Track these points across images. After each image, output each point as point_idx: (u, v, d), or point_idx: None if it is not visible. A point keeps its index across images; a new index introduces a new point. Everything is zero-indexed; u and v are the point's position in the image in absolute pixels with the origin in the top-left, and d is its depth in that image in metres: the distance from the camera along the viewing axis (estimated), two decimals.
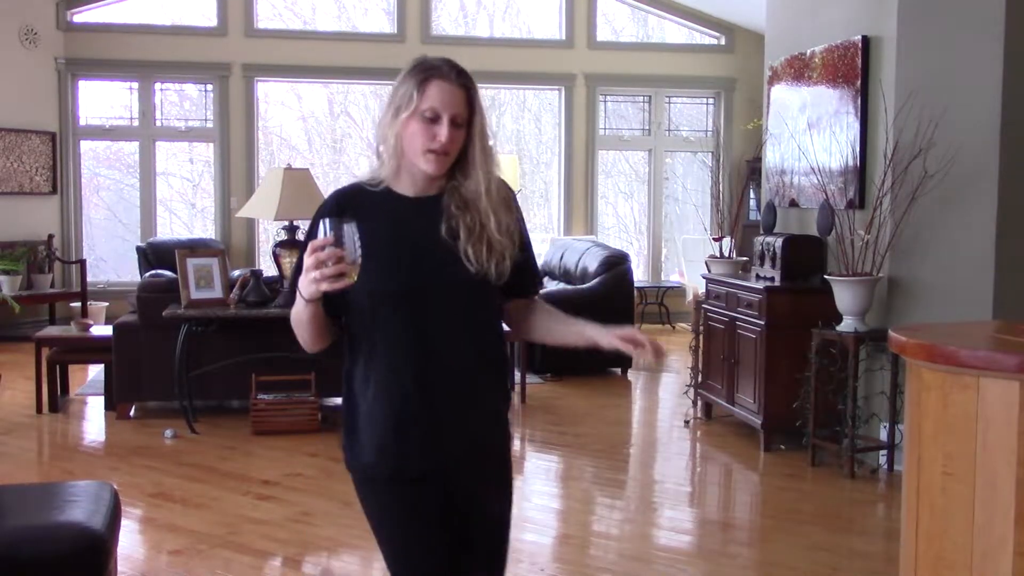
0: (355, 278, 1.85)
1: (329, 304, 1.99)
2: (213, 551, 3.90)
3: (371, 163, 2.11)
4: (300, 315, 2.01)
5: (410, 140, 2.01)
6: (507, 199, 2.10)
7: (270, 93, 10.48)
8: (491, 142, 2.06)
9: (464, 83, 2.01)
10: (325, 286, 1.84)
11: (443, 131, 1.98)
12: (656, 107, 10.73)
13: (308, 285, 1.87)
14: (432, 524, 2.04)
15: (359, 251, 1.84)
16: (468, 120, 2.01)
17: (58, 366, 6.39)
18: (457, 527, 2.07)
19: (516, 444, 5.70)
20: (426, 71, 2.01)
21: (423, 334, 2.02)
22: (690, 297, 9.48)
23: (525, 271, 2.15)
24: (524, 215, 2.20)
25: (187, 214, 10.60)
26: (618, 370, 7.69)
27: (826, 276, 5.13)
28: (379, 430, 2.04)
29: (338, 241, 1.81)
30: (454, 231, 2.03)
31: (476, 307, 2.06)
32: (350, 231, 1.83)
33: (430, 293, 2.02)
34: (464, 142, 2.02)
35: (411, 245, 2.03)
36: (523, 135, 10.94)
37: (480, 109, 2.03)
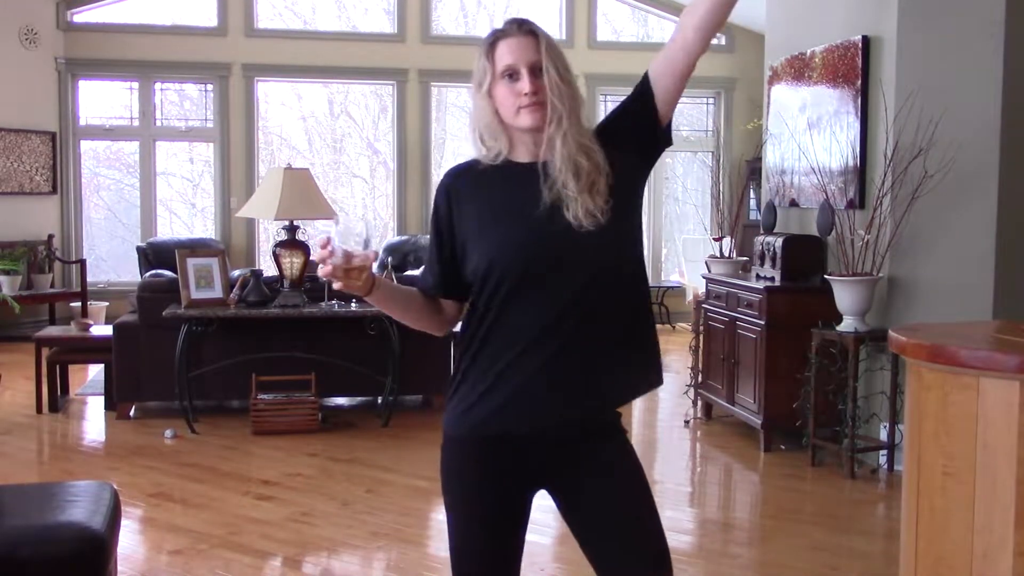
0: (358, 277, 1.86)
1: (448, 283, 2.03)
2: (213, 551, 3.90)
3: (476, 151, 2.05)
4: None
5: (503, 107, 1.97)
6: (586, 136, 2.00)
7: (270, 93, 10.48)
8: (567, 88, 1.98)
9: (530, 29, 1.98)
10: (336, 285, 1.86)
11: (525, 82, 1.94)
12: None
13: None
14: None
15: (359, 244, 1.84)
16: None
17: (58, 366, 6.39)
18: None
19: None
20: (490, 38, 1.99)
21: (532, 314, 1.94)
22: (690, 297, 9.48)
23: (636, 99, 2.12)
24: None
25: (187, 214, 10.60)
26: None
27: (826, 276, 5.13)
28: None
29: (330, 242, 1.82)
30: (552, 192, 1.94)
31: (587, 267, 1.93)
32: (343, 231, 1.83)
33: (537, 264, 1.93)
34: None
35: (517, 213, 1.95)
36: None
37: (550, 54, 1.97)
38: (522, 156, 2.01)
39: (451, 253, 2.03)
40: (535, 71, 1.95)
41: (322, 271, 1.83)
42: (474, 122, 2.02)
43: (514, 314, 1.94)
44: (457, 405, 2.01)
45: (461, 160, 2.10)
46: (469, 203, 2.01)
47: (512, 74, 1.95)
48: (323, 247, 1.82)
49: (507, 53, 1.96)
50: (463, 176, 2.05)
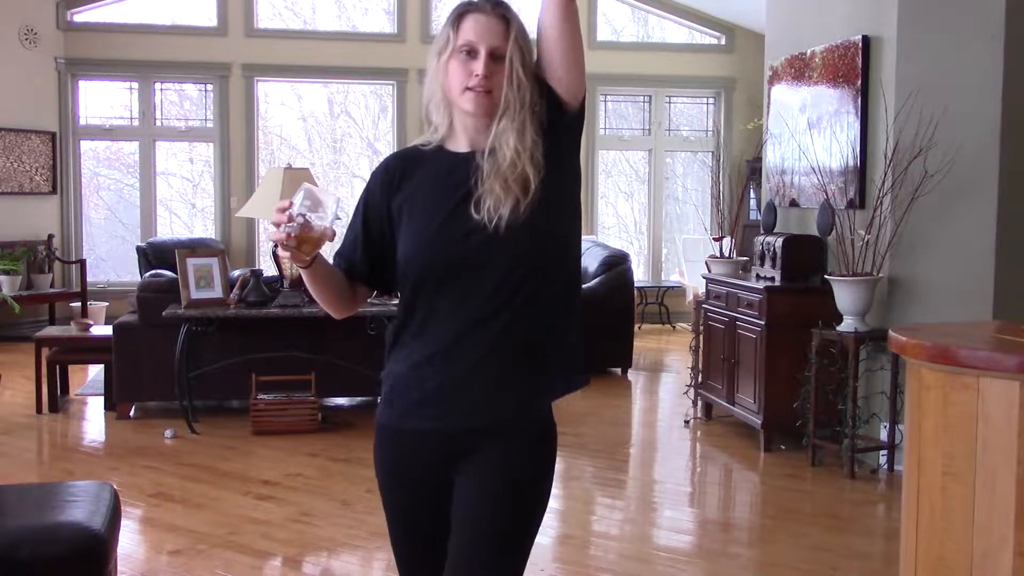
0: (308, 252, 1.79)
1: (374, 269, 1.98)
2: (213, 551, 3.90)
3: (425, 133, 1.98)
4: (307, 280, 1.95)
5: (451, 82, 1.87)
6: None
7: (270, 93, 10.47)
8: (527, 82, 1.87)
9: (502, 14, 1.88)
10: (283, 252, 1.80)
11: (480, 64, 1.84)
12: (656, 107, 10.73)
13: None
14: None
15: (323, 219, 1.77)
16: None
17: (58, 366, 6.39)
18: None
19: None
20: (461, 7, 1.90)
21: (438, 313, 1.91)
22: (690, 297, 9.48)
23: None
24: None
25: (187, 214, 10.60)
26: (618, 370, 7.69)
27: (826, 276, 5.13)
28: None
29: (293, 206, 1.75)
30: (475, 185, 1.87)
31: (505, 266, 1.86)
32: (305, 196, 1.76)
33: (442, 265, 1.88)
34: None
35: (439, 207, 1.89)
36: None
37: (518, 43, 1.87)
38: (461, 143, 1.94)
39: (379, 238, 1.97)
40: (495, 56, 1.86)
41: (275, 235, 1.76)
42: (426, 94, 1.95)
43: (432, 313, 1.90)
44: (383, 396, 2.02)
45: None
46: (401, 190, 1.95)
47: (470, 51, 1.86)
48: (282, 210, 1.76)
49: (471, 29, 1.86)
50: (403, 161, 1.99)
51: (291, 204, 1.76)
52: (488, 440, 1.92)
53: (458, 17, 1.89)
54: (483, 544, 1.91)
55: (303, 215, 1.76)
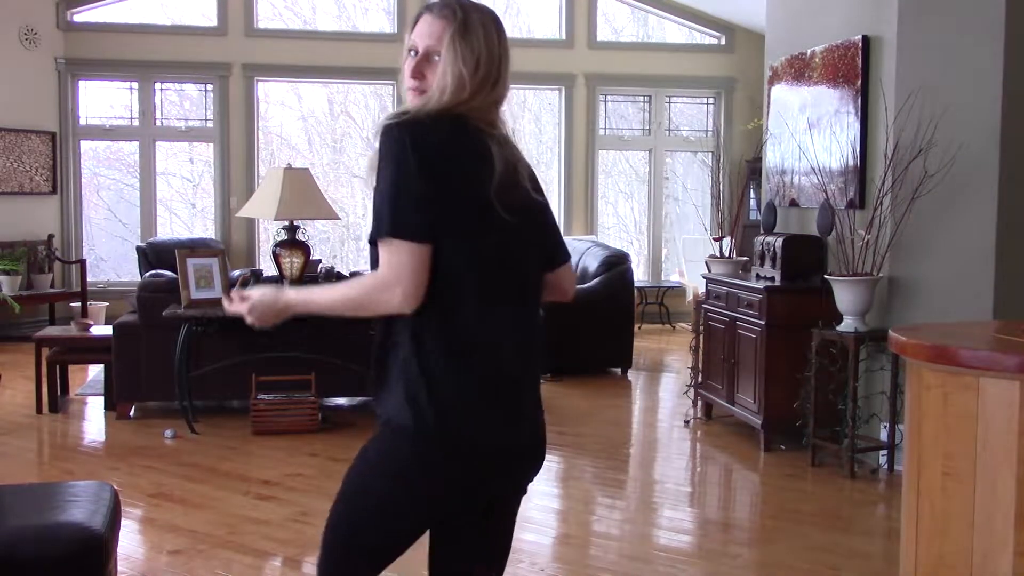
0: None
1: None
2: (213, 551, 3.90)
3: None
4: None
5: (404, 80, 1.96)
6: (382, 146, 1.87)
7: (270, 93, 10.48)
8: (451, 81, 1.88)
9: (444, 15, 1.91)
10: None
11: (409, 64, 1.93)
12: (656, 107, 10.73)
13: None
14: None
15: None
16: None
17: (58, 366, 6.38)
18: None
19: None
20: (420, 9, 1.98)
21: None
22: (690, 297, 9.49)
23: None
24: None
25: (187, 214, 10.60)
26: (618, 370, 7.69)
27: (826, 276, 5.13)
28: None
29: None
30: None
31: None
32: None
33: None
34: None
35: None
36: (523, 135, 10.93)
37: (453, 43, 1.88)
38: None
39: None
40: (430, 56, 1.91)
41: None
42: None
43: None
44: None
45: None
46: None
47: (413, 51, 1.94)
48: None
49: (417, 30, 1.94)
50: None
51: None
52: None
53: (415, 19, 1.97)
54: None
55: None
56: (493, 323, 1.90)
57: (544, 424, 2.03)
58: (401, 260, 1.82)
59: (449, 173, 1.86)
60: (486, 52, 1.91)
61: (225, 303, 2.08)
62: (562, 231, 2.45)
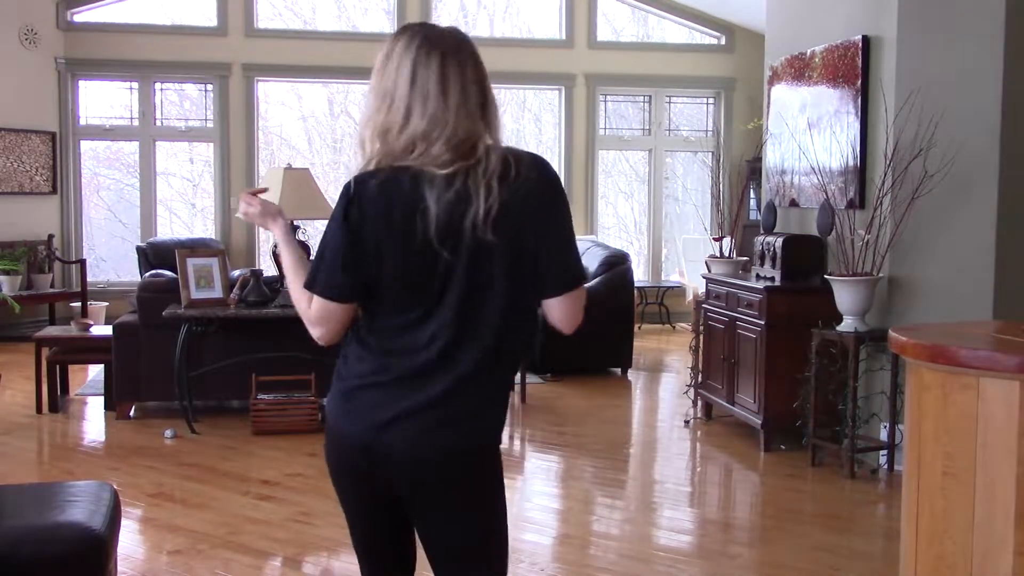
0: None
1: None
2: (213, 551, 3.90)
3: None
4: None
5: None
6: None
7: (270, 93, 10.48)
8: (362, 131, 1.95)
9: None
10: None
11: None
12: (656, 107, 10.73)
13: None
14: None
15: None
16: None
17: (58, 366, 6.39)
18: None
19: (516, 444, 5.71)
20: None
21: None
22: (690, 297, 9.49)
23: None
24: None
25: (187, 214, 10.60)
26: (618, 370, 7.69)
27: (826, 276, 5.13)
28: None
29: None
30: None
31: None
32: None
33: None
34: None
35: None
36: (523, 135, 10.93)
37: (377, 66, 1.94)
38: None
39: None
40: None
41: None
42: None
43: None
44: None
45: None
46: None
47: None
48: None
49: None
50: None
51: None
52: None
53: None
54: None
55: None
56: (386, 338, 2.03)
57: (449, 440, 1.96)
58: (327, 311, 2.01)
59: (374, 228, 1.87)
60: (380, 86, 1.92)
61: (243, 196, 2.26)
62: None
